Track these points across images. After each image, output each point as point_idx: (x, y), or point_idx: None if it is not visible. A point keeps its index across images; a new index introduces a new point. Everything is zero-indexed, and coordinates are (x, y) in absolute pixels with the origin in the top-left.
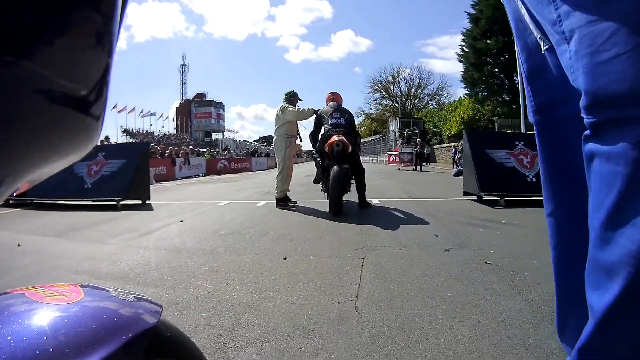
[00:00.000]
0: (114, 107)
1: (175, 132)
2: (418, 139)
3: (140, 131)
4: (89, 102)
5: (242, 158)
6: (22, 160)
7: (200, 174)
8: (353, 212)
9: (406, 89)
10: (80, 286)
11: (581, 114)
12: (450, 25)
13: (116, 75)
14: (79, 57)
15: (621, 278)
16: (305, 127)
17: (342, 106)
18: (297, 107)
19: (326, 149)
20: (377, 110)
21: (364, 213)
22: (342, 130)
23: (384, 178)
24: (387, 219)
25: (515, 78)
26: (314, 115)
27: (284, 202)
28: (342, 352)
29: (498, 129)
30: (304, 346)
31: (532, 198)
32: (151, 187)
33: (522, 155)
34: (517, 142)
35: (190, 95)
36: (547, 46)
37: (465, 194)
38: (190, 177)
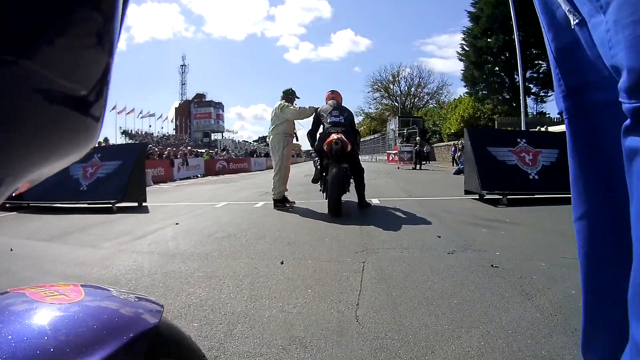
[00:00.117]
0: (113, 108)
1: (174, 133)
2: (418, 138)
3: (140, 132)
4: (89, 102)
5: (241, 158)
6: (22, 160)
7: (199, 175)
8: (352, 212)
9: (406, 88)
10: (81, 286)
11: (620, 99)
12: (450, 25)
13: (116, 76)
14: (79, 56)
15: None
16: (303, 126)
17: (342, 105)
18: (295, 105)
19: (325, 148)
20: (376, 109)
21: (364, 213)
22: (341, 128)
23: (384, 177)
24: (388, 219)
25: (515, 76)
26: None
27: (282, 203)
28: None
29: (498, 127)
30: None
31: (535, 196)
32: (149, 188)
33: (524, 153)
34: (518, 140)
35: (189, 95)
36: (577, 20)
37: (467, 192)
38: (189, 178)
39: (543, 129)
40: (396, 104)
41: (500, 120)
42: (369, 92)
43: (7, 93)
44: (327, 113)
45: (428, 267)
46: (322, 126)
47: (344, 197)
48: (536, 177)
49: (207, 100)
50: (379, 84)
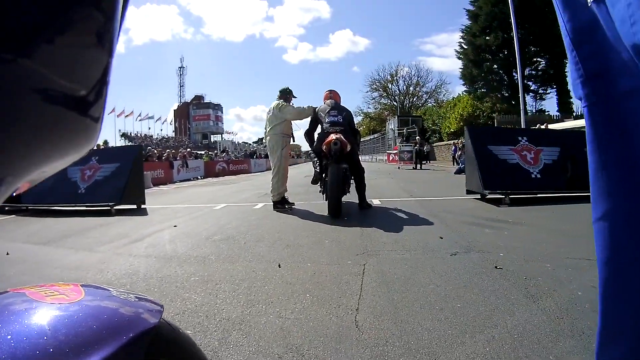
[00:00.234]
0: (112, 111)
1: (173, 135)
2: (417, 137)
3: (139, 135)
4: (89, 102)
5: (241, 160)
6: (22, 160)
7: (199, 177)
8: (353, 213)
9: (404, 87)
10: (81, 286)
11: None
12: (448, 24)
13: (114, 78)
14: (79, 56)
15: None
16: (300, 127)
17: (340, 104)
18: (292, 105)
19: (324, 148)
20: (375, 109)
21: (365, 214)
22: (340, 128)
23: (384, 177)
24: (389, 220)
25: (514, 74)
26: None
27: (281, 204)
28: None
29: (498, 126)
30: None
31: (538, 195)
32: (148, 190)
33: (526, 151)
34: (519, 138)
35: (188, 97)
36: None
37: (469, 192)
38: (189, 180)
39: (543, 127)
40: (395, 103)
41: (500, 118)
42: (367, 92)
43: (7, 92)
44: (325, 112)
45: (430, 269)
46: (320, 126)
47: (345, 198)
48: (538, 175)
49: (205, 102)
50: (378, 84)
